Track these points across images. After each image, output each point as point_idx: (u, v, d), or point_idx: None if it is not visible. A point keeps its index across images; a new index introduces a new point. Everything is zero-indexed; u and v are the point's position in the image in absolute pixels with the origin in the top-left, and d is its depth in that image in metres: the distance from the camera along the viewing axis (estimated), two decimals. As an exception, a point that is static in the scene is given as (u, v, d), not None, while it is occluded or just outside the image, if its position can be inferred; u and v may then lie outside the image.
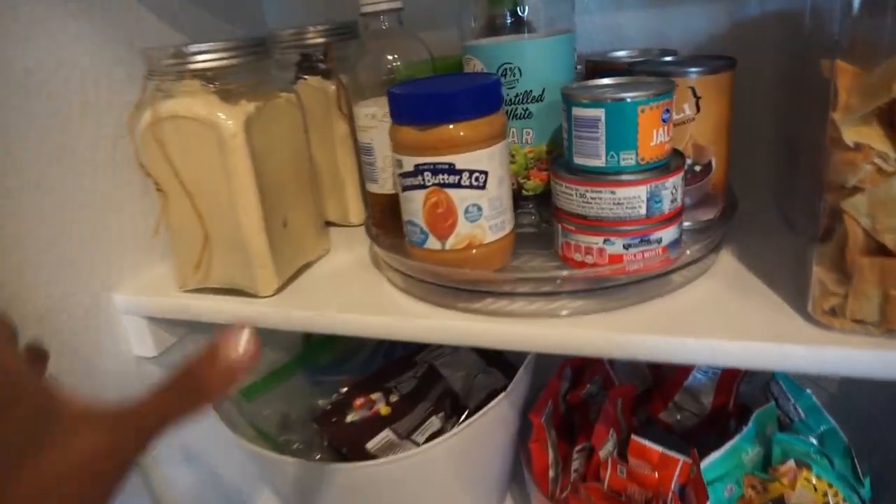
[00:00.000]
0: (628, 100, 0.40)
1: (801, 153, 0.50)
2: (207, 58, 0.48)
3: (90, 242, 0.55)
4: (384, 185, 0.54)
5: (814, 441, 0.55)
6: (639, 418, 0.69)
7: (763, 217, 0.55)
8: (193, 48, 0.47)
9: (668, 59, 0.52)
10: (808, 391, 0.59)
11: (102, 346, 0.56)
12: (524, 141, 0.50)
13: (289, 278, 0.55)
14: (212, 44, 0.48)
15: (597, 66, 0.56)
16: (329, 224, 0.67)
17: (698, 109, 0.47)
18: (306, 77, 0.62)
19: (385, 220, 0.55)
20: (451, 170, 0.43)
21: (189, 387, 0.27)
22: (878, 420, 0.59)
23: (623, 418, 0.65)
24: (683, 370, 0.66)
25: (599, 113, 0.40)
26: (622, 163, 0.41)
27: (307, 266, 0.57)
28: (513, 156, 0.50)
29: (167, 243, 0.54)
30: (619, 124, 0.40)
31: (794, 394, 0.59)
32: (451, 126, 0.42)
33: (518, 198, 0.52)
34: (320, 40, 0.61)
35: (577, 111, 0.42)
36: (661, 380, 0.69)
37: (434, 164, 0.43)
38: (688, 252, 0.45)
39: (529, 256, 0.50)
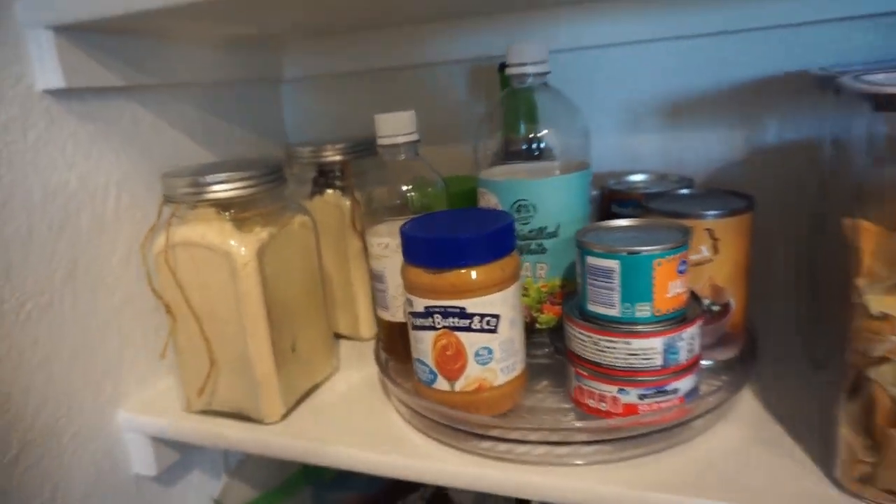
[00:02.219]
0: (644, 253, 0.39)
1: (822, 290, 0.49)
2: (223, 188, 0.48)
3: (97, 358, 0.54)
4: (395, 313, 0.53)
5: None
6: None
7: (786, 355, 0.53)
8: (210, 178, 0.48)
9: (685, 192, 0.52)
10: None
11: (102, 463, 0.55)
12: (537, 276, 0.49)
13: (295, 403, 0.53)
14: (228, 174, 0.48)
15: (612, 195, 0.56)
16: (339, 336, 0.66)
17: (716, 251, 0.46)
18: (323, 192, 0.63)
19: (395, 346, 0.54)
20: (462, 314, 0.42)
21: None
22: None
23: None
24: None
25: (614, 265, 0.40)
26: (637, 314, 0.40)
27: (315, 388, 0.56)
28: (526, 290, 0.50)
29: (173, 362, 0.53)
30: (635, 277, 0.40)
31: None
32: (462, 271, 0.41)
33: (531, 330, 0.51)
34: (338, 158, 0.62)
35: (592, 260, 0.41)
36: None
37: (445, 307, 0.42)
38: (708, 399, 0.43)
39: (542, 395, 0.48)
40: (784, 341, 0.55)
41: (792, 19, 0.57)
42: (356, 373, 0.59)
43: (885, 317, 0.34)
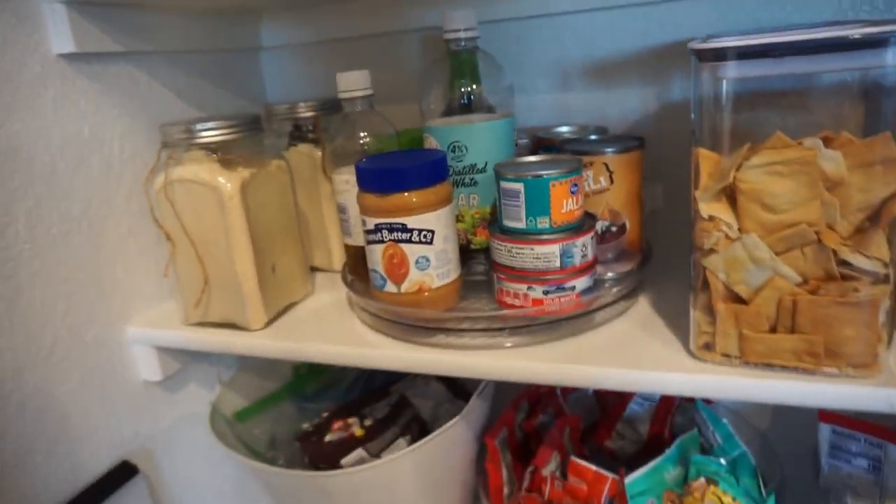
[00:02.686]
0: (543, 176, 0.50)
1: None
2: (212, 133, 0.58)
3: (108, 281, 0.65)
4: (357, 238, 0.64)
5: (723, 462, 0.64)
6: (589, 448, 0.77)
7: (677, 268, 0.65)
8: (200, 125, 0.58)
9: (593, 137, 0.63)
10: (725, 420, 0.68)
11: (114, 371, 0.66)
12: (471, 204, 0.60)
13: (276, 315, 0.65)
14: (215, 122, 0.59)
15: (539, 141, 0.67)
16: (316, 269, 0.77)
17: (612, 182, 0.57)
18: (297, 144, 0.73)
19: (358, 267, 0.65)
20: (404, 229, 0.53)
21: None
22: (780, 446, 0.68)
23: (570, 444, 0.73)
24: (622, 402, 0.75)
25: (520, 186, 0.51)
26: (539, 225, 0.51)
27: (292, 305, 0.67)
28: (462, 216, 0.61)
29: (173, 284, 0.64)
30: (536, 195, 0.51)
31: (714, 423, 0.68)
32: (404, 194, 0.52)
33: (468, 251, 0.62)
34: (310, 114, 0.73)
35: (504, 184, 0.52)
36: (605, 410, 0.78)
37: (390, 224, 0.53)
38: (604, 297, 0.55)
39: (475, 300, 0.60)
40: (677, 259, 0.67)
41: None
42: (328, 295, 0.70)
43: (711, 218, 0.45)
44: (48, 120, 0.59)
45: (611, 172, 0.57)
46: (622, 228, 0.59)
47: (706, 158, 0.46)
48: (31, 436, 0.58)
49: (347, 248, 0.67)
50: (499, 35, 0.76)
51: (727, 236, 0.45)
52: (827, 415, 0.66)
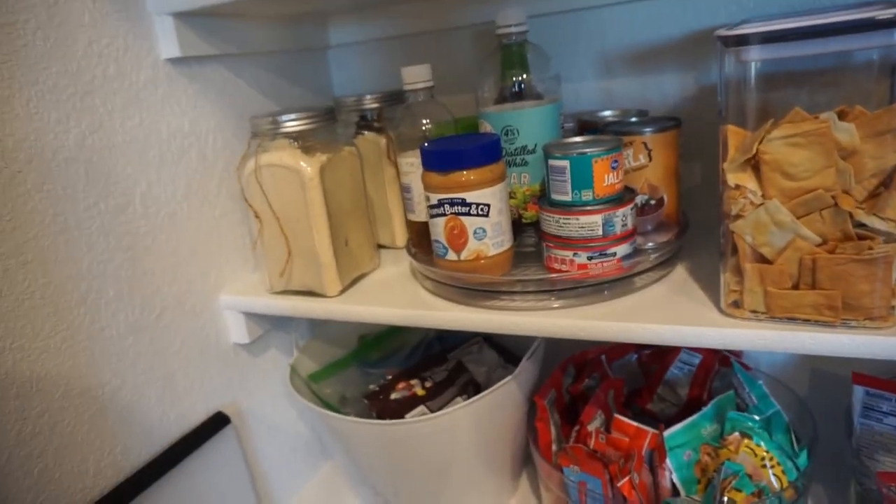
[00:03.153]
0: (587, 153, 0.57)
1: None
2: (294, 124, 0.67)
3: (204, 255, 0.75)
4: (419, 214, 0.72)
5: (757, 418, 0.69)
6: (632, 410, 0.83)
7: (708, 239, 0.70)
8: (284, 117, 0.67)
9: (634, 119, 0.69)
10: (761, 382, 0.73)
11: (209, 335, 0.76)
12: (522, 182, 0.67)
13: (349, 283, 0.73)
14: (297, 113, 0.67)
15: (583, 124, 0.73)
16: (380, 246, 0.86)
17: (650, 159, 0.63)
18: (364, 133, 0.82)
19: (420, 241, 0.73)
20: (463, 203, 0.60)
21: None
22: (814, 407, 0.73)
23: (614, 405, 0.79)
24: (663, 367, 0.81)
25: (566, 163, 0.57)
26: (583, 198, 0.58)
27: (363, 276, 0.76)
28: (514, 193, 0.68)
29: (259, 259, 0.73)
30: (580, 171, 0.57)
31: (749, 384, 0.73)
32: (463, 172, 0.60)
33: (520, 224, 0.69)
34: (375, 105, 0.81)
35: (552, 162, 0.59)
36: (648, 376, 0.84)
37: (451, 199, 0.60)
38: (642, 262, 0.61)
39: (526, 267, 0.67)
40: (710, 230, 0.72)
41: (728, -19, 0.73)
42: (393, 268, 0.78)
43: (738, 187, 0.51)
44: (157, 116, 0.68)
45: (649, 150, 0.63)
46: (660, 202, 0.65)
47: (734, 134, 0.52)
48: (143, 385, 0.68)
49: (411, 224, 0.75)
50: (547, 28, 0.82)
51: (752, 203, 0.51)
52: (860, 377, 0.70)
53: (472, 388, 0.83)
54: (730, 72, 0.51)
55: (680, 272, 0.65)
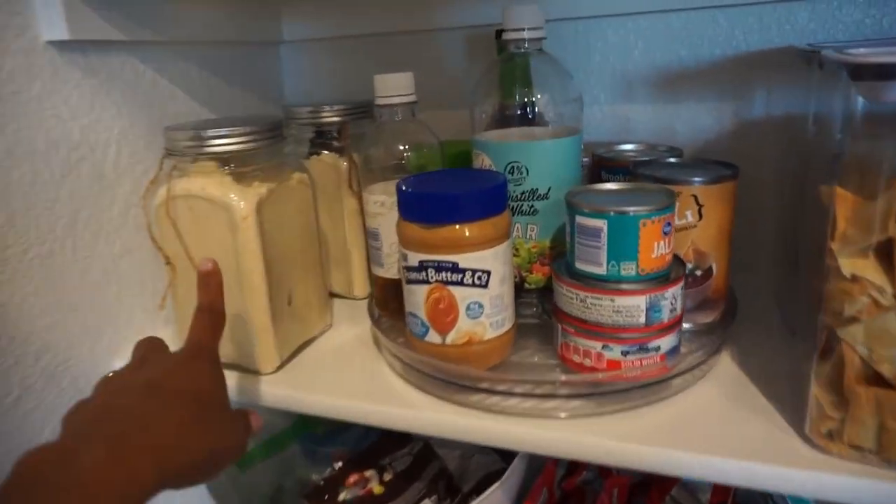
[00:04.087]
0: (630, 213, 0.41)
1: (801, 259, 0.51)
2: (225, 142, 0.49)
3: (96, 307, 0.56)
4: (389, 269, 0.55)
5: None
6: (635, 509, 0.68)
7: (764, 319, 0.55)
8: (212, 132, 0.49)
9: (672, 160, 0.54)
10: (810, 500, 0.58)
11: (100, 411, 0.56)
12: (528, 236, 0.51)
13: (290, 355, 0.55)
14: (229, 128, 0.49)
15: (602, 162, 0.57)
16: (333, 295, 0.68)
17: (700, 217, 0.48)
18: (320, 153, 0.64)
19: (388, 302, 0.56)
20: (455, 268, 0.43)
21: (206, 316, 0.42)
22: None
23: (618, 510, 0.64)
24: (682, 463, 0.65)
25: (602, 224, 0.41)
26: (622, 272, 0.42)
27: (309, 342, 0.58)
28: (516, 250, 0.51)
29: (171, 315, 0.55)
30: (621, 236, 0.41)
31: (794, 501, 0.58)
32: (456, 226, 0.43)
33: (520, 290, 0.53)
34: (336, 119, 0.63)
35: (581, 220, 0.42)
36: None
37: (438, 261, 0.44)
38: (688, 359, 0.45)
39: (529, 351, 0.50)
40: (763, 307, 0.57)
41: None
42: (350, 329, 0.61)
43: (855, 279, 0.36)
44: (31, 120, 0.49)
45: (700, 206, 0.48)
46: (708, 272, 0.50)
47: (843, 200, 0.37)
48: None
49: (377, 279, 0.57)
50: (553, 35, 0.66)
51: (876, 303, 0.35)
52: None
53: (443, 481, 0.65)
54: (844, 111, 0.36)
55: (727, 365, 0.49)
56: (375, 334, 0.57)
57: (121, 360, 0.57)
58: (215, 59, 0.68)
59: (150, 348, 0.40)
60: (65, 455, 0.28)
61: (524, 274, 0.52)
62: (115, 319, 0.57)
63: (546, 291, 0.53)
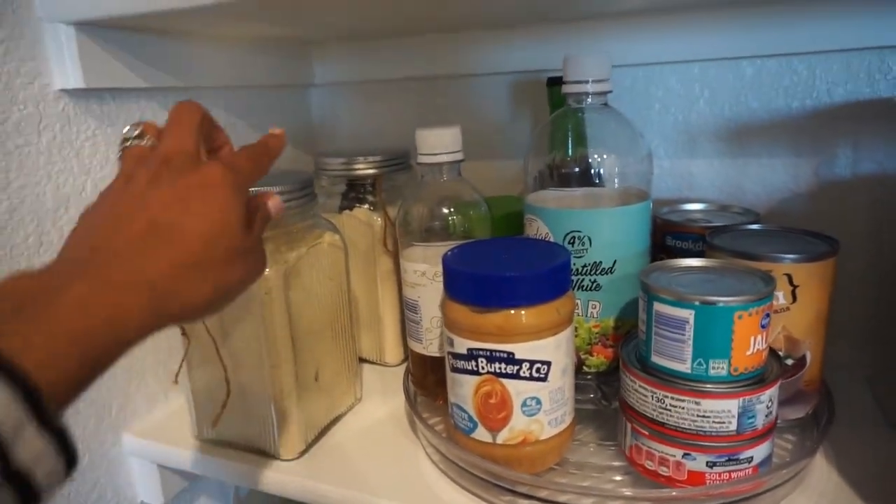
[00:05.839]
0: (723, 304, 0.34)
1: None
2: (250, 203, 0.44)
3: (103, 378, 0.50)
4: (429, 346, 0.49)
5: None
6: None
7: (861, 414, 0.48)
8: (236, 192, 0.44)
9: (754, 227, 0.47)
10: None
11: (106, 490, 0.51)
12: (589, 315, 0.45)
13: (315, 437, 0.49)
14: (254, 188, 0.44)
15: (667, 226, 0.51)
16: (362, 361, 0.62)
17: (794, 299, 0.41)
18: (353, 207, 0.59)
19: (426, 380, 0.50)
20: (510, 359, 0.37)
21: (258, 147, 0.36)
22: None
23: None
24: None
25: (688, 315, 0.35)
26: (711, 372, 0.35)
27: (336, 420, 0.52)
28: (576, 328, 0.45)
29: (184, 392, 0.49)
30: (711, 330, 0.35)
31: None
32: (512, 311, 0.37)
33: (578, 372, 0.46)
34: (370, 171, 0.58)
35: (661, 308, 0.36)
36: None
37: (491, 350, 0.37)
38: (784, 470, 0.38)
39: (590, 448, 0.44)
40: (858, 396, 0.50)
41: (875, 42, 0.52)
42: (381, 405, 0.54)
43: None
44: (39, 176, 0.45)
45: (794, 287, 0.41)
46: (801, 362, 0.43)
47: None
48: None
49: (415, 356, 0.51)
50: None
51: None
52: None
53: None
54: None
55: (823, 469, 0.42)
56: (412, 416, 0.51)
57: (129, 435, 0.52)
58: (242, 104, 0.64)
59: (176, 148, 0.31)
60: (47, 286, 0.24)
61: (583, 356, 0.46)
62: (124, 390, 0.52)
63: (606, 374, 0.46)
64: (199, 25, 0.52)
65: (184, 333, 0.47)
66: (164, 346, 0.55)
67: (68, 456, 0.23)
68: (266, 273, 0.43)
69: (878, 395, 0.49)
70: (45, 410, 0.21)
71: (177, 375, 0.48)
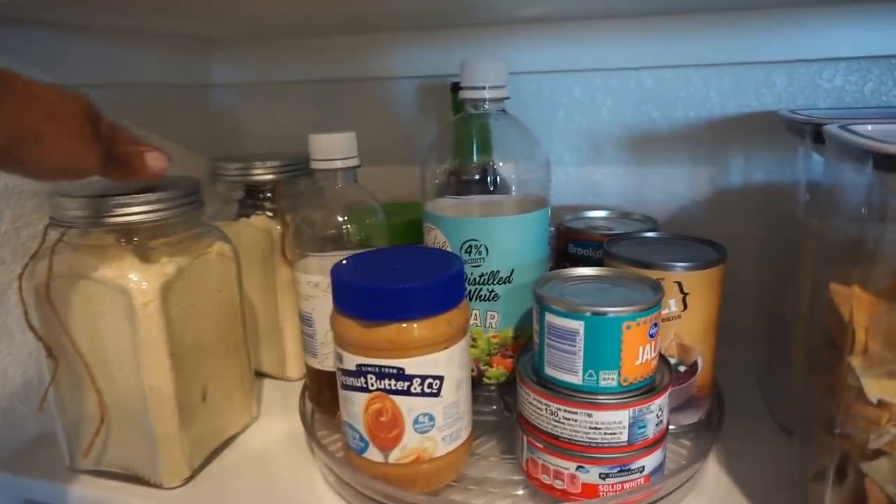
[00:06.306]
0: (612, 314, 0.34)
1: (790, 350, 0.45)
2: (126, 211, 0.40)
3: (-37, 406, 0.45)
4: (324, 361, 0.47)
5: None
6: None
7: (751, 417, 0.49)
8: (113, 200, 0.40)
9: (649, 235, 0.48)
10: None
11: (-37, 531, 0.46)
12: (488, 325, 0.44)
13: (203, 462, 0.46)
14: (133, 195, 0.41)
15: (570, 234, 0.51)
16: (263, 375, 0.59)
17: (685, 306, 0.41)
18: (250, 215, 0.56)
19: (323, 397, 0.47)
20: (401, 375, 0.36)
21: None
22: None
23: None
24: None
25: (578, 326, 0.34)
26: (602, 383, 0.35)
27: (229, 441, 0.49)
28: (474, 340, 0.44)
29: (54, 419, 0.45)
30: (601, 341, 0.34)
31: None
32: (402, 325, 0.35)
33: (478, 385, 0.45)
34: (269, 177, 0.55)
35: (553, 319, 0.35)
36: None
37: (380, 366, 0.36)
38: (675, 477, 0.38)
39: (490, 461, 0.43)
40: (748, 399, 0.51)
41: (762, 57, 0.54)
42: (279, 422, 0.52)
43: (883, 404, 0.30)
44: None
45: (684, 294, 0.41)
46: (693, 368, 0.44)
47: (863, 304, 0.31)
48: None
49: (311, 371, 0.49)
50: (513, 89, 0.61)
51: (909, 436, 0.29)
52: None
53: None
54: (870, 201, 0.30)
55: (715, 473, 0.43)
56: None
57: (-9, 469, 0.47)
58: (128, 104, 0.59)
59: None
60: None
61: (482, 367, 0.45)
62: (-16, 419, 0.47)
63: (508, 384, 0.45)
64: (77, 16, 0.48)
65: (50, 355, 0.43)
66: (32, 365, 0.50)
67: None
68: (143, 287, 0.40)
69: (766, 396, 0.51)
70: None
71: (41, 401, 0.43)
